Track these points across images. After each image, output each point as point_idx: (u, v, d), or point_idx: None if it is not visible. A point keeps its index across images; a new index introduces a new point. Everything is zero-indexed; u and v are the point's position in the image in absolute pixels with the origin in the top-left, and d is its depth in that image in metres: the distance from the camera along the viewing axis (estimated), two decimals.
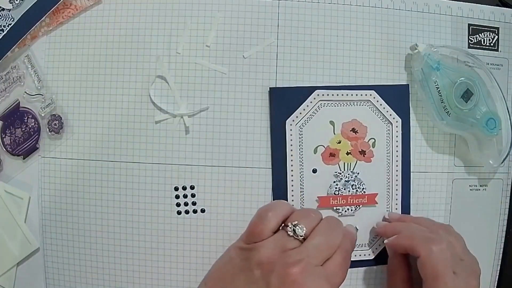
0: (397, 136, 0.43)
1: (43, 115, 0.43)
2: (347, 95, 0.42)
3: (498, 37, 0.46)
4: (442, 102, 0.42)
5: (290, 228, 0.36)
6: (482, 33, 0.46)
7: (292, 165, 0.42)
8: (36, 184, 0.44)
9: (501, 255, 0.46)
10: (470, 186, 0.46)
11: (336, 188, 0.43)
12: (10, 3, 0.42)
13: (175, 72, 0.43)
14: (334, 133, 0.42)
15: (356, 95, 0.42)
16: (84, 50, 0.44)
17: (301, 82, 0.43)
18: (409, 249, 0.38)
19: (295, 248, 0.36)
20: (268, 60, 0.43)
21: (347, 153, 0.43)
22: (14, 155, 0.44)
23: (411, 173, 0.44)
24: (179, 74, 0.43)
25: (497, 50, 0.46)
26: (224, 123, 0.43)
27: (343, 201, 0.43)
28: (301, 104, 0.42)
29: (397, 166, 0.43)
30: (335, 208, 0.43)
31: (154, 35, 0.43)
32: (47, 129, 0.43)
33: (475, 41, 0.46)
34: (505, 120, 0.44)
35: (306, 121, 0.42)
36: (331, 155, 0.42)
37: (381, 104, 0.43)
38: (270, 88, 0.42)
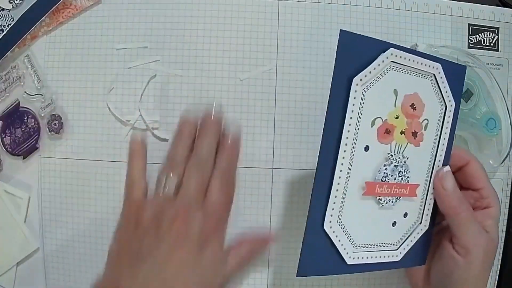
0: (448, 122, 0.37)
1: (43, 115, 0.43)
2: (417, 62, 0.35)
3: (498, 37, 0.46)
4: None
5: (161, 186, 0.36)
6: (482, 33, 0.46)
7: (347, 138, 0.33)
8: (36, 184, 0.44)
9: (501, 255, 0.46)
10: None
11: (384, 173, 0.35)
12: (10, 3, 0.42)
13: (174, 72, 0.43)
14: (395, 105, 0.35)
15: (424, 64, 0.35)
16: (84, 50, 0.44)
17: (302, 82, 0.43)
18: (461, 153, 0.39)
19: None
20: (268, 60, 0.43)
21: (401, 132, 0.36)
22: (14, 155, 0.44)
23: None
24: (178, 75, 0.43)
25: (497, 50, 0.46)
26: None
27: (388, 190, 0.35)
28: (372, 60, 0.33)
29: (441, 155, 0.37)
30: (377, 197, 0.35)
31: (154, 35, 0.43)
32: (47, 129, 0.43)
33: (475, 41, 0.46)
34: (505, 120, 0.44)
35: (371, 84, 0.34)
36: (386, 132, 0.35)
37: (443, 82, 0.36)
38: (340, 30, 0.32)
